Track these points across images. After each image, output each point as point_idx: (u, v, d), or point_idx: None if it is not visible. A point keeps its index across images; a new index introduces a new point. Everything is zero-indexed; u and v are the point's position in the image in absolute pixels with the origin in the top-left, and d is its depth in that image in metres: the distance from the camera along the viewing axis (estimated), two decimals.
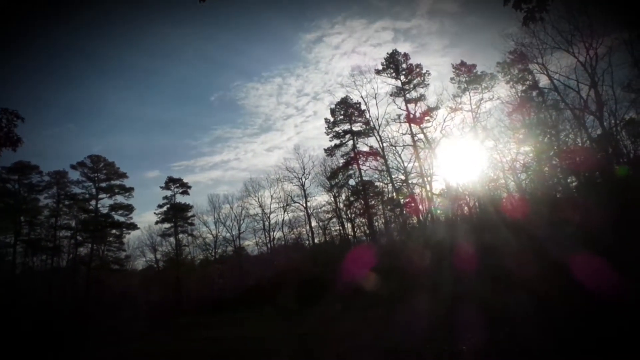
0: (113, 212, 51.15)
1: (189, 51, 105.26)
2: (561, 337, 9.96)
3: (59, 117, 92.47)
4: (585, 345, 8.89)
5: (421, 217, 42.33)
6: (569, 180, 34.18)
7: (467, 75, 39.49)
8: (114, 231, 51.39)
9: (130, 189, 52.08)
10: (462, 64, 40.08)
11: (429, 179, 40.82)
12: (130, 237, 62.01)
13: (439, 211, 41.65)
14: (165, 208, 53.12)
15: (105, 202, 50.90)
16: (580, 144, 32.63)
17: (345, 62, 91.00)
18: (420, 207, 42.55)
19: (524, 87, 36.16)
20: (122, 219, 51.68)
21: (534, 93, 35.82)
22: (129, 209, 51.85)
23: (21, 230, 46.28)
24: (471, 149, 38.99)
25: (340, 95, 53.38)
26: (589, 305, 12.32)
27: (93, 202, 50.05)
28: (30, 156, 49.64)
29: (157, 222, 52.91)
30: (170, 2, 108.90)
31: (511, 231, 26.89)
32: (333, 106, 46.06)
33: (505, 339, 10.82)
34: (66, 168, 49.81)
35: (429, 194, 40.70)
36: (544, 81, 34.73)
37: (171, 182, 53.78)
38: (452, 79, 40.42)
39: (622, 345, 8.51)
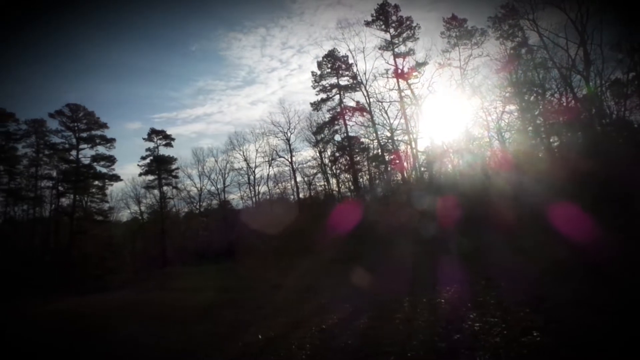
0: (95, 163, 50.20)
1: None
2: (537, 290, 10.25)
3: (28, 61, 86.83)
4: (558, 298, 9.15)
5: (406, 174, 42.65)
6: (551, 140, 34.51)
7: (458, 30, 38.68)
8: (96, 182, 50.70)
9: (112, 140, 50.91)
10: (454, 17, 39.12)
11: (414, 135, 40.84)
12: (114, 188, 61.94)
13: (423, 168, 41.99)
14: (148, 160, 52.54)
15: (86, 153, 49.78)
16: (565, 104, 32.70)
17: (330, 13, 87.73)
18: (405, 164, 42.78)
19: (513, 44, 35.73)
20: (104, 170, 50.85)
21: (523, 50, 35.41)
22: (111, 160, 50.95)
23: (0, 179, 45.43)
24: (458, 106, 38.87)
25: (327, 47, 52.06)
26: (565, 256, 12.73)
27: (74, 153, 49.00)
28: (4, 103, 47.85)
29: (140, 174, 52.51)
30: None
31: (493, 188, 27.41)
32: (320, 59, 45.05)
33: (481, 292, 11.11)
34: (43, 116, 48.40)
35: (415, 150, 40.84)
36: (533, 38, 34.33)
37: (154, 133, 52.81)
38: (442, 33, 39.57)
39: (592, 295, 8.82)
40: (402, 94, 40.47)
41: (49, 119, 47.95)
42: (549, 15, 32.02)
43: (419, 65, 39.91)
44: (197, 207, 53.66)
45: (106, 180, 51.02)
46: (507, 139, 36.91)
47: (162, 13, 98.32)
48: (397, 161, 43.15)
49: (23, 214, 49.42)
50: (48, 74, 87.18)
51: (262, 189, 51.49)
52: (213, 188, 52.49)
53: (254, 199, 51.67)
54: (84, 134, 49.25)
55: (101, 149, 50.46)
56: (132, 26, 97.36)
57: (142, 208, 53.78)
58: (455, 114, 39.12)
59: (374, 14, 41.05)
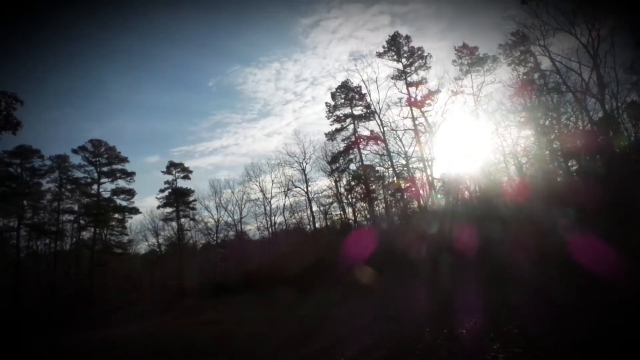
0: (115, 197, 51.50)
1: (186, 36, 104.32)
2: (560, 319, 10.01)
3: (57, 101, 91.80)
4: (582, 327, 8.95)
5: (422, 202, 42.38)
6: (569, 164, 34.09)
7: (469, 58, 39.12)
8: (116, 215, 51.72)
9: (132, 174, 52.31)
10: (465, 46, 39.69)
11: (429, 163, 40.77)
12: (133, 221, 62.73)
13: (439, 195, 41.71)
14: (166, 192, 53.27)
15: (107, 187, 51.25)
16: (581, 127, 32.47)
17: (342, 46, 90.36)
18: (421, 191, 42.58)
19: (525, 70, 35.91)
20: (124, 203, 52.02)
21: (536, 75, 35.54)
22: (131, 193, 52.14)
23: (24, 214, 46.59)
24: (472, 132, 38.87)
25: (340, 79, 53.05)
26: (588, 288, 12.37)
27: (95, 187, 50.34)
28: (31, 140, 49.63)
29: (159, 207, 53.16)
30: None
31: (511, 214, 26.96)
32: (333, 90, 45.79)
33: (504, 321, 10.88)
34: (67, 152, 50.05)
35: (430, 178, 40.71)
36: (545, 63, 34.46)
37: (172, 166, 53.85)
38: (454, 61, 40.09)
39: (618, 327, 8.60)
40: (416, 122, 40.74)
41: (72, 154, 49.75)
42: (560, 41, 32.29)
43: (432, 93, 40.25)
44: (214, 238, 53.91)
45: (126, 213, 52.07)
46: (523, 164, 36.64)
47: (182, 52, 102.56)
48: (413, 188, 42.99)
49: (45, 247, 50.38)
50: (74, 114, 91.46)
51: (279, 219, 51.64)
52: (230, 219, 52.75)
53: (270, 230, 51.82)
54: (105, 168, 50.67)
55: (121, 183, 51.86)
56: (152, 67, 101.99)
57: (160, 240, 54.34)
58: (470, 140, 39.11)
59: (386, 46, 41.94)
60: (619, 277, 11.80)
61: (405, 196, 45.00)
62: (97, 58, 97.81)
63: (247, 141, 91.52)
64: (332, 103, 45.39)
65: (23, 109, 10.35)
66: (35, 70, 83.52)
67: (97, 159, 50.16)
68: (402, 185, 43.47)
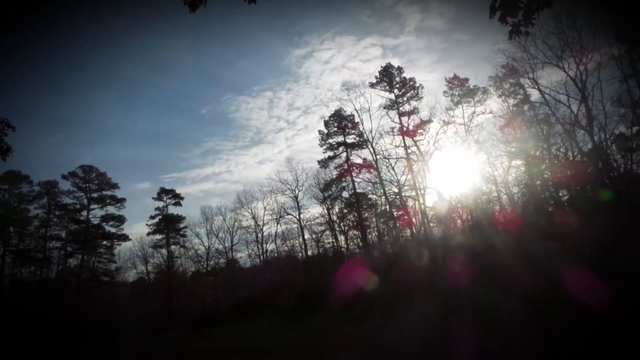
0: (104, 223, 50.74)
1: (179, 64, 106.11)
2: (553, 349, 9.91)
3: (49, 127, 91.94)
4: (576, 357, 8.84)
5: (414, 230, 42.34)
6: (560, 194, 34.43)
7: (460, 89, 39.98)
8: (105, 242, 50.92)
9: (122, 200, 51.76)
10: (455, 77, 40.60)
11: (422, 191, 40.99)
12: (122, 248, 61.46)
13: (432, 224, 41.74)
14: (157, 219, 52.65)
15: (96, 213, 50.53)
16: (571, 158, 32.96)
17: (335, 77, 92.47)
18: (414, 219, 42.63)
19: (515, 101, 36.66)
20: (113, 230, 51.25)
21: (526, 107, 36.27)
22: (121, 219, 51.43)
23: (10, 240, 45.58)
24: (464, 162, 39.35)
25: (333, 107, 53.74)
26: (580, 318, 12.29)
27: (84, 213, 49.66)
28: (21, 166, 48.97)
29: (148, 234, 52.41)
30: (160, 14, 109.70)
31: (504, 244, 26.96)
32: (326, 118, 46.43)
33: (499, 350, 10.74)
34: (57, 178, 49.49)
35: (422, 206, 40.79)
36: (535, 95, 35.20)
37: (163, 193, 53.40)
38: (445, 92, 40.97)
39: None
40: (409, 151, 41.20)
41: (62, 180, 49.16)
42: (549, 74, 33.06)
43: (424, 122, 40.85)
44: (205, 266, 53.02)
45: (115, 240, 51.27)
46: (515, 193, 36.95)
47: (175, 80, 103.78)
48: (406, 217, 43.04)
49: (30, 275, 49.14)
50: (65, 140, 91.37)
51: (270, 246, 51.24)
52: (221, 246, 52.14)
53: (261, 257, 51.23)
54: (95, 194, 50.16)
55: (111, 209, 51.25)
56: (145, 94, 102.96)
57: (149, 268, 53.34)
58: (462, 169, 39.59)
59: (378, 76, 42.74)
60: (608, 308, 11.75)
61: (397, 224, 44.99)
62: (90, 85, 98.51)
63: (239, 168, 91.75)
64: (325, 131, 45.83)
65: (14, 134, 10.23)
66: (27, 97, 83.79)
67: (87, 185, 49.66)
68: (395, 213, 43.53)
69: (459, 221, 40.55)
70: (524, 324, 13.36)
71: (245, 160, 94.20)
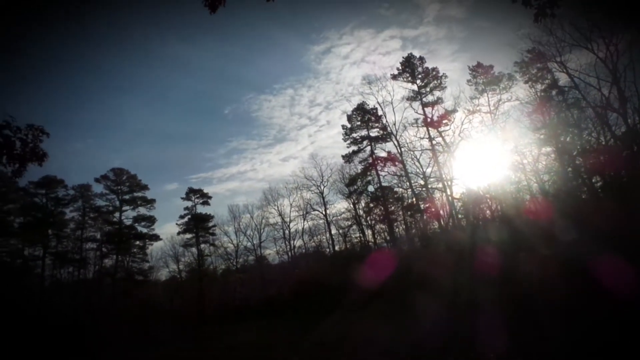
0: (136, 224, 52.28)
1: (201, 66, 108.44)
2: (587, 342, 9.60)
3: (80, 133, 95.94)
4: (607, 347, 8.54)
5: (442, 222, 41.71)
6: (593, 181, 33.19)
7: (484, 77, 38.99)
8: (137, 242, 52.35)
9: (152, 201, 53.19)
10: (479, 65, 39.62)
11: (448, 183, 40.32)
12: (153, 248, 63.33)
13: (460, 215, 41.00)
14: (186, 219, 53.77)
15: (128, 214, 52.15)
16: (604, 143, 31.72)
17: (355, 71, 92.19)
18: (441, 211, 41.95)
19: (543, 87, 35.50)
20: (145, 230, 52.71)
21: (554, 92, 35.08)
22: (152, 220, 52.83)
23: (49, 243, 47.54)
24: (491, 151, 38.38)
25: (355, 102, 53.35)
26: (615, 310, 11.86)
27: (117, 214, 51.24)
28: (56, 171, 51.37)
29: (179, 233, 53.60)
30: (181, 19, 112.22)
31: (534, 234, 26.21)
32: (349, 113, 46.20)
33: (531, 343, 10.49)
34: (90, 181, 51.40)
35: (450, 198, 40.11)
36: (563, 79, 34.10)
37: (192, 192, 54.51)
38: (468, 81, 40.03)
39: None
40: (434, 142, 40.56)
41: (95, 183, 51.02)
42: (577, 56, 32.00)
43: (449, 112, 40.16)
44: (234, 263, 53.87)
45: (147, 240, 52.65)
46: (545, 181, 35.86)
47: (198, 82, 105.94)
48: (432, 209, 42.42)
49: (69, 275, 51.14)
50: (96, 145, 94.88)
51: (298, 242, 51.58)
52: (249, 244, 52.87)
53: (289, 253, 51.61)
54: (127, 196, 51.66)
55: (142, 210, 52.75)
56: (170, 97, 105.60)
57: (181, 266, 54.56)
58: (489, 158, 38.62)
59: (400, 67, 42.21)
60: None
61: (424, 217, 44.43)
62: (117, 91, 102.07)
63: (264, 166, 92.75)
64: (349, 125, 45.67)
65: (48, 141, 10.64)
66: (59, 105, 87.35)
67: (119, 187, 51.25)
68: (422, 206, 42.99)
69: (487, 212, 39.67)
70: (558, 316, 13.01)
71: (270, 158, 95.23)
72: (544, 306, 15.00)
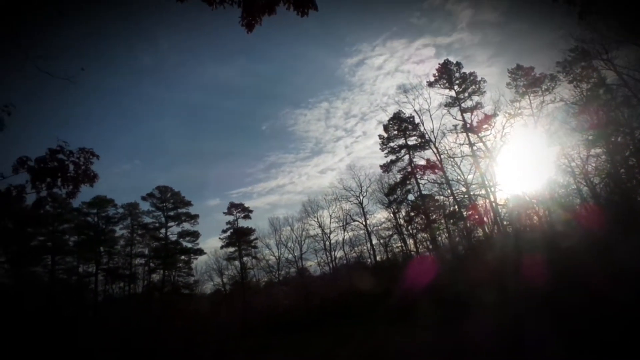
0: (181, 239, 53.81)
1: (237, 86, 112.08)
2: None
3: (128, 155, 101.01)
4: None
5: (486, 229, 40.52)
6: None
7: (525, 79, 37.87)
8: (183, 257, 53.83)
9: (196, 216, 54.67)
10: (519, 67, 38.56)
11: (492, 189, 39.15)
12: (198, 262, 65.03)
13: (505, 222, 39.68)
14: (228, 233, 54.85)
15: (173, 230, 53.77)
16: None
17: (389, 81, 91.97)
18: (485, 218, 40.80)
19: (589, 86, 34.07)
20: (189, 245, 54.17)
21: (602, 91, 33.56)
22: (196, 235, 54.28)
23: (101, 259, 49.78)
24: (536, 155, 37.02)
25: (391, 111, 53.00)
26: None
27: (163, 230, 53.01)
28: (106, 191, 53.61)
29: (222, 247, 54.70)
30: (217, 41, 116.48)
31: (585, 241, 24.98)
32: (385, 122, 45.92)
33: (583, 356, 10.05)
34: (137, 200, 53.56)
35: (493, 204, 38.95)
36: (611, 77, 32.66)
37: (233, 207, 55.63)
38: (508, 84, 39.00)
39: None
40: (474, 148, 39.61)
41: (142, 201, 53.15)
42: (625, 53, 30.52)
43: (489, 117, 39.11)
44: (276, 275, 54.33)
45: (191, 255, 54.10)
46: (596, 184, 34.17)
47: (235, 102, 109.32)
48: (476, 216, 41.30)
49: (120, 290, 53.21)
50: (142, 165, 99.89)
51: (339, 253, 51.34)
52: (290, 256, 53.05)
53: (331, 265, 51.54)
54: (172, 213, 53.40)
55: (186, 225, 54.28)
56: (209, 117, 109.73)
57: (225, 279, 55.54)
58: (534, 162, 37.22)
59: (437, 74, 41.70)
60: None
61: (468, 224, 43.30)
62: (161, 115, 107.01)
63: (302, 179, 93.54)
64: (386, 135, 45.38)
65: (99, 163, 11.26)
66: (108, 129, 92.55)
67: (164, 204, 53.08)
68: (464, 213, 41.96)
69: (535, 217, 38.20)
70: (607, 327, 12.37)
71: (307, 171, 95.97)
72: (596, 317, 14.27)
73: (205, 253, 55.10)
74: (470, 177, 40.60)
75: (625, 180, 32.30)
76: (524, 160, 37.91)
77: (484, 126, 39.23)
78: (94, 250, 48.61)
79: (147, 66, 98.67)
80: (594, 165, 33.85)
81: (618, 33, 29.16)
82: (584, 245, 24.14)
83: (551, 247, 26.87)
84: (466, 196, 41.27)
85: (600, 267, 19.86)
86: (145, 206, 53.25)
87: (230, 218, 55.37)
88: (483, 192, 39.88)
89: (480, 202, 41.07)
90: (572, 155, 34.57)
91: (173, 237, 53.41)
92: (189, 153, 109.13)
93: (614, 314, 14.23)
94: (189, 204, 54.32)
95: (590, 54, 31.89)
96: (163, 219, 52.95)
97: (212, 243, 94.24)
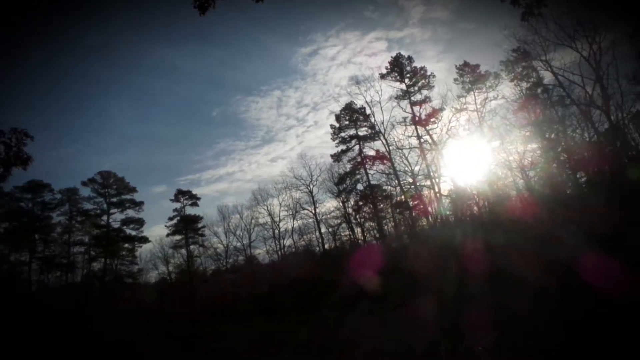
0: (124, 227, 51.79)
1: (188, 69, 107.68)
2: (573, 337, 9.93)
3: (67, 138, 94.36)
4: (594, 343, 8.89)
5: (430, 219, 42.22)
6: (577, 176, 33.93)
7: (471, 76, 39.51)
8: (126, 245, 51.87)
9: (141, 203, 52.75)
10: (466, 64, 40.13)
11: (436, 180, 40.79)
12: (142, 250, 62.50)
13: (447, 212, 41.52)
14: (175, 220, 53.31)
15: (116, 217, 51.73)
16: (587, 139, 32.45)
17: (342, 72, 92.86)
18: (429, 208, 42.45)
19: (528, 85, 36.13)
20: (133, 232, 52.31)
21: (539, 90, 35.74)
22: (140, 222, 52.43)
23: (35, 248, 46.88)
24: (478, 148, 39.02)
25: (343, 101, 53.49)
26: (598, 307, 12.23)
27: (104, 218, 50.76)
28: (42, 175, 50.06)
29: (168, 235, 53.18)
30: (167, 22, 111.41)
31: (520, 230, 26.72)
32: (338, 112, 46.34)
33: (520, 338, 10.80)
34: (77, 185, 50.72)
35: (438, 195, 40.62)
36: (548, 78, 34.80)
37: (180, 194, 54.09)
38: (455, 79, 40.53)
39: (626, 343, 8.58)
40: (422, 140, 40.98)
41: (82, 187, 50.45)
42: (562, 55, 32.61)
43: (436, 111, 40.63)
44: (224, 264, 53.66)
45: (135, 243, 52.27)
46: (531, 177, 36.51)
47: (185, 86, 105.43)
48: (421, 206, 42.87)
49: (56, 280, 50.50)
50: (83, 149, 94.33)
51: (288, 242, 51.54)
52: (239, 244, 52.66)
53: (279, 253, 51.63)
54: (115, 199, 51.18)
55: (130, 213, 52.33)
56: (157, 100, 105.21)
57: (170, 268, 54.13)
58: (476, 155, 39.24)
59: (389, 67, 42.56)
60: (624, 293, 11.61)
61: (413, 214, 44.86)
62: (106, 95, 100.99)
63: (252, 167, 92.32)
64: (337, 125, 45.84)
65: (34, 145, 10.57)
66: (45, 109, 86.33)
67: (107, 190, 50.70)
68: (410, 203, 43.40)
69: (475, 208, 40.27)
70: (541, 313, 13.36)
71: (258, 159, 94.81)
72: (530, 302, 15.37)
73: (150, 241, 53.48)
74: (417, 168, 42.10)
75: (556, 175, 34.71)
76: (467, 153, 39.87)
77: (432, 119, 40.72)
78: (28, 237, 45.64)
79: (93, 41, 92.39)
80: (529, 159, 36.06)
81: (557, 36, 31.15)
82: (519, 235, 25.85)
83: (489, 235, 28.46)
84: (412, 187, 42.72)
85: (533, 254, 21.36)
86: (85, 192, 50.74)
87: (177, 205, 53.86)
88: (428, 183, 41.45)
89: (426, 192, 42.68)
90: (510, 149, 36.63)
91: (116, 225, 51.46)
92: (135, 137, 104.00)
93: (545, 299, 15.45)
94: (133, 190, 52.31)
95: (530, 55, 33.80)
96: (105, 206, 50.71)
97: (158, 231, 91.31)
